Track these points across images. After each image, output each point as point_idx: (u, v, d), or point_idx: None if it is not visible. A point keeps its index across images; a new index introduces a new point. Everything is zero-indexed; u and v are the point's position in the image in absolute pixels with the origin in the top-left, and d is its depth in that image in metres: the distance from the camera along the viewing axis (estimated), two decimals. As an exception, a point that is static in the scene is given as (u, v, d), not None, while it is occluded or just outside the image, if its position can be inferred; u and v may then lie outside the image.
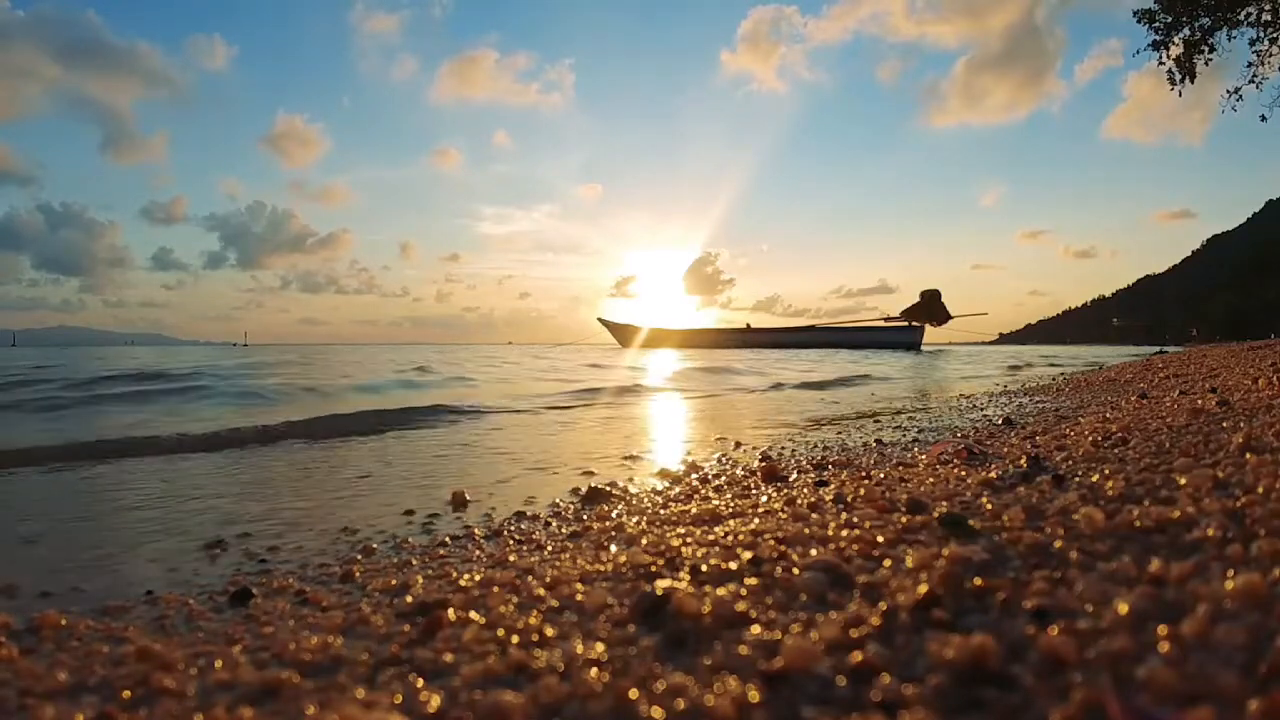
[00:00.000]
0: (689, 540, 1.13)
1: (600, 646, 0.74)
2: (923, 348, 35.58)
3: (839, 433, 3.49)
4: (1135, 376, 5.94)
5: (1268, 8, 10.01)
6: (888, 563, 0.90)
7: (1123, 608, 0.68)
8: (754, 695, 0.61)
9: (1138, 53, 10.72)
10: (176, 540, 1.70)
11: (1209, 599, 0.68)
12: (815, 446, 2.96)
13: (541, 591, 0.96)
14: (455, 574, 1.16)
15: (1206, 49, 10.43)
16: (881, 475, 1.76)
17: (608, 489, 1.96)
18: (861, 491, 1.46)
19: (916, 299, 39.86)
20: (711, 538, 1.13)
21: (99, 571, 1.42)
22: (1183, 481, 1.15)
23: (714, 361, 13.59)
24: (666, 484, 2.08)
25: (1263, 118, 10.75)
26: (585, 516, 1.67)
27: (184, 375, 6.97)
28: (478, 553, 1.40)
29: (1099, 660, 0.60)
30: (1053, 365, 13.13)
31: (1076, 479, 1.32)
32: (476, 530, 1.63)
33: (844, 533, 1.05)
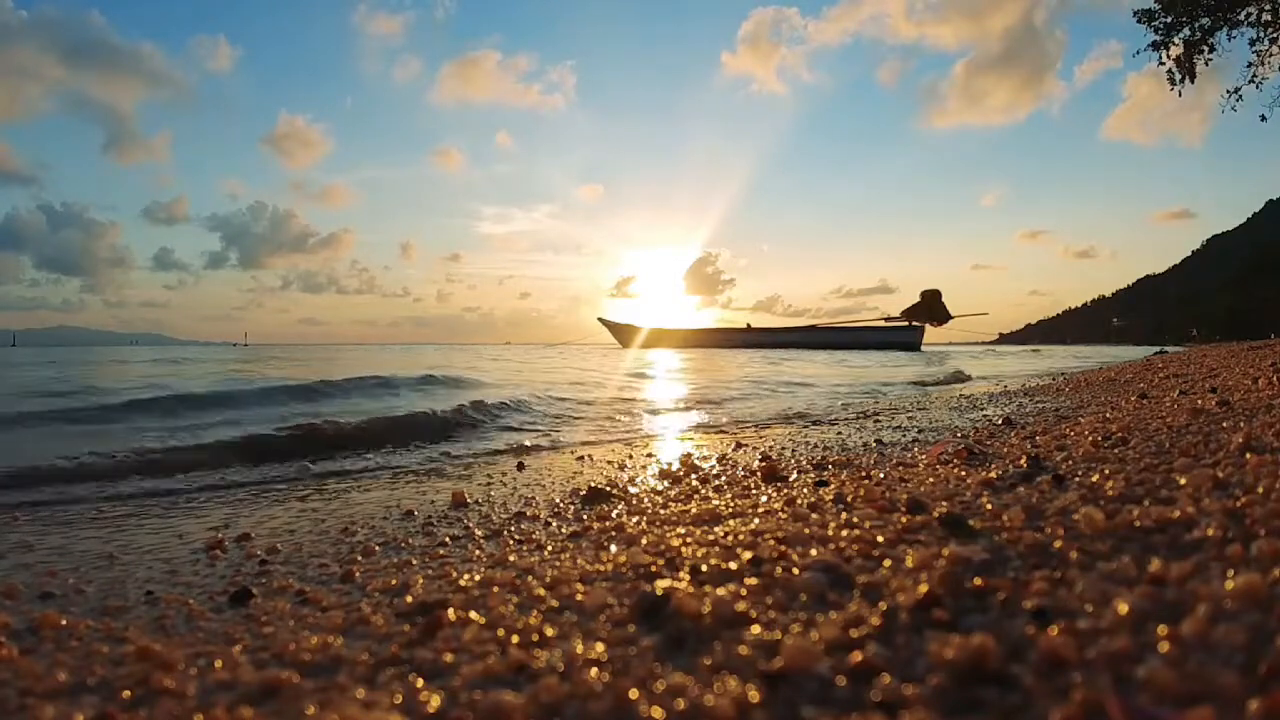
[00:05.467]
0: (689, 540, 1.13)
1: (600, 646, 0.74)
2: (923, 348, 35.58)
3: (839, 433, 3.50)
4: (1135, 376, 5.94)
5: (1268, 8, 10.00)
6: (888, 563, 0.90)
7: (1123, 608, 0.68)
8: (754, 695, 0.61)
9: (1138, 53, 10.72)
10: (176, 541, 1.70)
11: (1209, 599, 0.68)
12: (815, 446, 2.96)
13: (541, 591, 0.96)
14: (455, 574, 1.16)
15: (1206, 49, 10.42)
16: (881, 475, 1.76)
17: (608, 489, 1.96)
18: (861, 491, 1.46)
19: (916, 299, 39.85)
20: (711, 538, 1.13)
21: (99, 572, 1.42)
22: (1183, 481, 1.15)
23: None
24: (666, 484, 2.08)
25: (1263, 118, 10.75)
26: (585, 516, 1.67)
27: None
28: (478, 553, 1.40)
29: (1099, 660, 0.60)
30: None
31: (1076, 479, 1.32)
32: (476, 530, 1.63)
33: (844, 533, 1.05)
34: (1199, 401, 2.60)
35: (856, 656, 0.65)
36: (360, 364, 12.20)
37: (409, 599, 1.02)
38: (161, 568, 1.44)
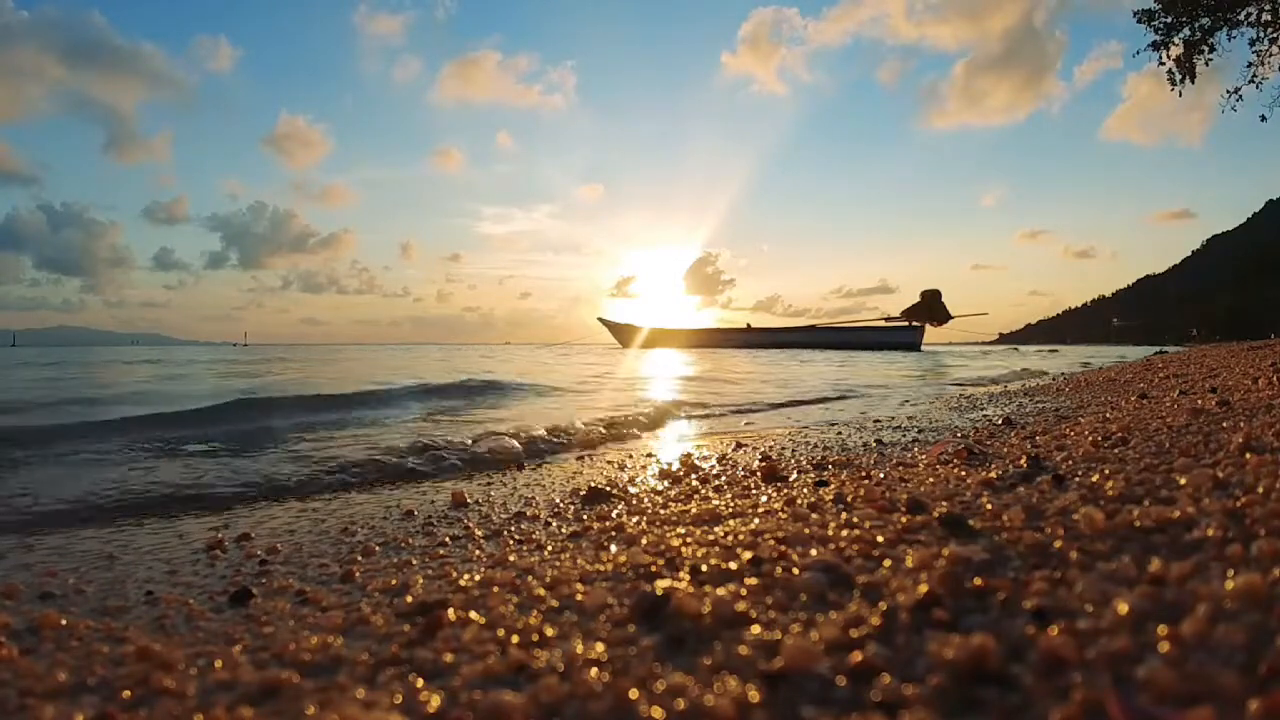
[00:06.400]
0: (689, 540, 1.13)
1: (600, 646, 0.74)
2: (923, 348, 35.59)
3: (839, 433, 3.49)
4: (1135, 376, 5.93)
5: (1268, 8, 10.00)
6: (888, 563, 0.90)
7: (1123, 608, 0.68)
8: (754, 695, 0.61)
9: (1137, 53, 10.72)
10: (176, 541, 1.70)
11: (1209, 599, 0.68)
12: (815, 446, 2.96)
13: (541, 591, 0.96)
14: (455, 574, 1.16)
15: (1206, 49, 10.42)
16: (881, 475, 1.76)
17: (608, 489, 1.96)
18: (861, 491, 1.46)
19: (916, 299, 39.85)
20: (711, 538, 1.13)
21: (99, 572, 1.42)
22: (1183, 481, 1.15)
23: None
24: (666, 484, 2.08)
25: (1263, 118, 10.75)
26: (585, 516, 1.67)
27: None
28: (478, 553, 1.40)
29: (1099, 660, 0.60)
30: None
31: (1076, 479, 1.32)
32: (476, 530, 1.63)
33: (844, 533, 1.05)
34: (1199, 401, 2.60)
35: (856, 656, 0.65)
36: (383, 365, 12.24)
37: (409, 599, 1.02)
38: (161, 568, 1.44)
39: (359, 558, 1.43)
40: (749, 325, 43.38)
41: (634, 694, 0.63)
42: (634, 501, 1.81)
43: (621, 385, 7.70)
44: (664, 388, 7.53)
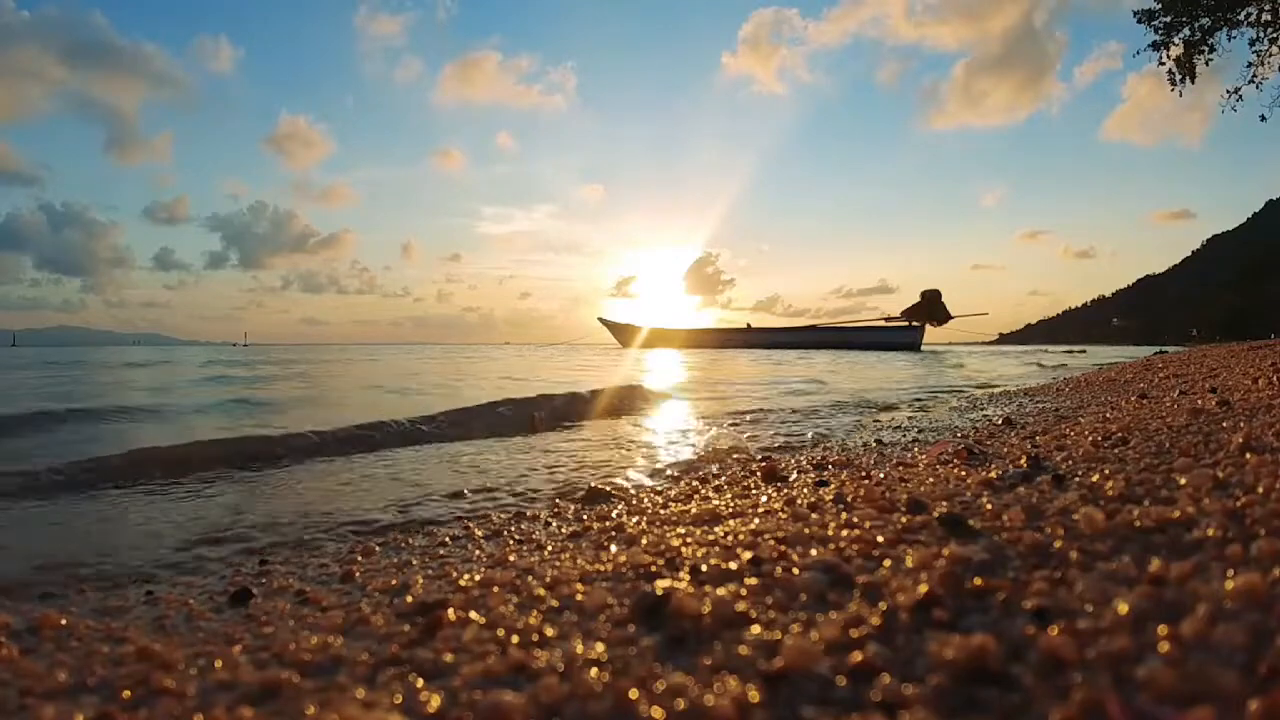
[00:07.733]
0: (689, 540, 1.13)
1: (600, 646, 0.74)
2: (923, 348, 35.57)
3: (839, 434, 3.50)
4: (1135, 376, 5.93)
5: (1267, 8, 10.00)
6: (888, 563, 0.90)
7: (1123, 608, 0.68)
8: (754, 695, 0.61)
9: (1138, 53, 10.72)
10: (177, 541, 1.69)
11: (1209, 599, 0.68)
12: (815, 446, 2.96)
13: (541, 591, 0.96)
14: (455, 574, 1.16)
15: (1206, 49, 10.42)
16: (881, 475, 1.76)
17: (608, 489, 1.96)
18: (861, 491, 1.46)
19: (917, 299, 39.78)
20: (711, 538, 1.13)
21: (99, 572, 1.42)
22: (1183, 481, 1.15)
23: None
24: (666, 484, 2.08)
25: (1262, 118, 10.75)
26: (585, 516, 1.67)
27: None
28: (478, 553, 1.40)
29: (1099, 660, 0.60)
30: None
31: (1076, 479, 1.32)
32: (476, 530, 1.63)
33: (844, 533, 1.05)
34: (1199, 401, 2.60)
35: (856, 656, 0.65)
36: (402, 367, 11.96)
37: (409, 599, 1.02)
38: (162, 568, 1.44)
39: (359, 557, 1.43)
40: (749, 325, 43.32)
41: (634, 694, 0.63)
42: (634, 501, 1.81)
43: (731, 388, 7.60)
44: (791, 389, 7.35)
